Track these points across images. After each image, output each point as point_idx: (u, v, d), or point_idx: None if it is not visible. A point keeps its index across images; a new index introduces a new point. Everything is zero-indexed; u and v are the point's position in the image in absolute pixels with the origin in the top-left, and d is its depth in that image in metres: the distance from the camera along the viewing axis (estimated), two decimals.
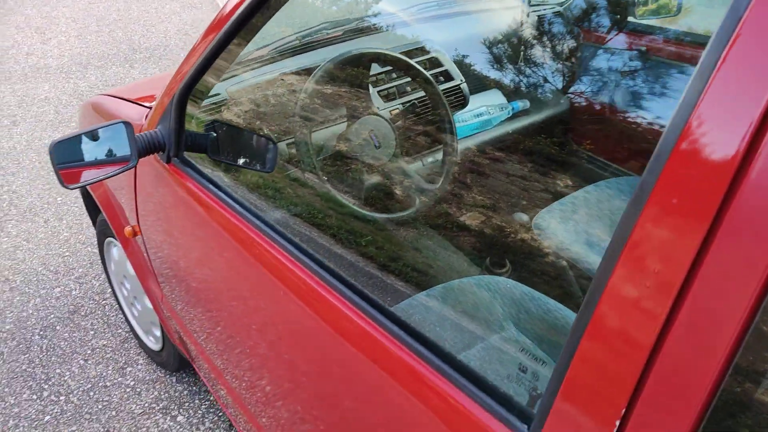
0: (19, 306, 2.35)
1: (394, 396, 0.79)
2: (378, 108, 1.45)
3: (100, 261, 2.58)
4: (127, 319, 2.15)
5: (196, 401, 1.97)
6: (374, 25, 1.79)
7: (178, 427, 1.89)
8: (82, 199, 2.89)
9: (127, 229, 1.56)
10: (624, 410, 0.55)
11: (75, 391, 2.01)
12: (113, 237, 1.88)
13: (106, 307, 2.35)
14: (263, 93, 1.45)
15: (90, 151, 1.21)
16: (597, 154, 1.70)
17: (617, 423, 0.56)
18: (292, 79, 1.48)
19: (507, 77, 1.88)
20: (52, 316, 2.31)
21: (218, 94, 1.41)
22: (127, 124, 1.20)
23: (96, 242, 2.70)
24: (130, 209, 1.53)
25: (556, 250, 1.34)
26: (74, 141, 1.17)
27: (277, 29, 1.54)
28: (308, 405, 1.02)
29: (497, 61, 1.87)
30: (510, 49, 1.84)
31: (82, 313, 2.32)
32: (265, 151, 1.23)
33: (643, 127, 1.63)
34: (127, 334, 2.22)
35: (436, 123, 1.44)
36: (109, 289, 2.43)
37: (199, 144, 1.25)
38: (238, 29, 1.07)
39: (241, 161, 1.24)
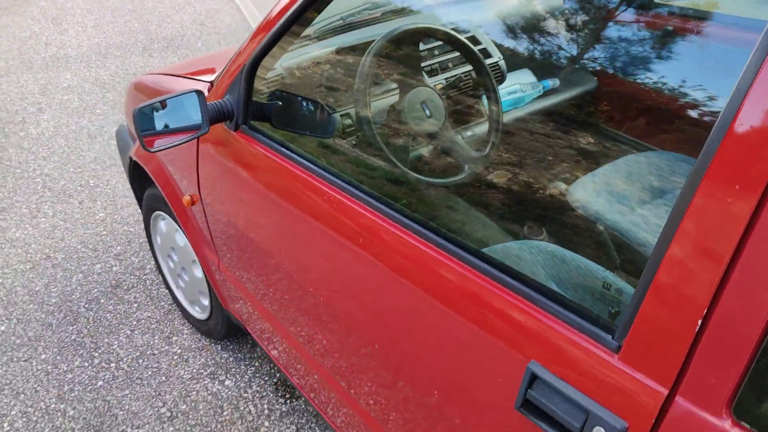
0: (63, 281, 2.44)
1: (475, 329, 0.88)
2: (428, 80, 1.54)
3: (137, 239, 2.67)
4: (171, 292, 2.24)
5: (242, 367, 2.07)
6: (410, 7, 1.87)
7: (227, 390, 1.98)
8: (113, 183, 2.99)
9: (186, 198, 1.65)
10: (706, 310, 0.64)
11: (124, 359, 2.10)
12: (162, 210, 1.97)
13: (147, 281, 2.44)
14: (318, 68, 1.54)
15: (164, 118, 1.30)
16: (624, 131, 1.78)
17: (699, 322, 0.65)
18: (344, 56, 1.57)
19: (537, 57, 1.96)
20: (95, 290, 2.40)
21: (275, 69, 1.50)
22: (200, 93, 1.29)
23: (136, 220, 2.78)
24: (189, 179, 1.61)
25: (592, 217, 1.43)
26: (151, 108, 1.26)
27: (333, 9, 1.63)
28: (368, 350, 1.11)
29: (528, 42, 1.95)
30: (540, 30, 1.92)
31: (125, 288, 2.41)
32: (324, 119, 1.33)
33: (669, 104, 1.71)
34: (170, 306, 2.31)
35: (482, 95, 1.52)
36: (149, 265, 2.52)
37: (264, 112, 1.34)
38: (305, 10, 1.16)
39: (302, 128, 1.33)
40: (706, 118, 1.17)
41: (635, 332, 0.71)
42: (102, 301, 2.35)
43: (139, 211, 2.87)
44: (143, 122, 1.24)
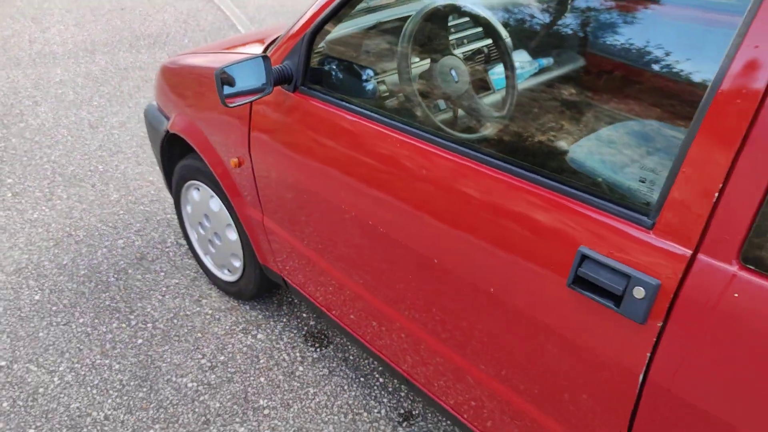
0: (88, 255, 2.59)
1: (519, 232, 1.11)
2: (455, 51, 1.77)
3: (154, 217, 2.83)
4: (198, 260, 2.41)
5: (272, 323, 2.26)
6: None
7: (260, 343, 2.17)
8: (122, 167, 3.13)
9: (233, 160, 1.84)
10: (719, 187, 0.88)
11: (159, 320, 2.27)
12: (197, 179, 2.15)
13: (170, 253, 2.60)
14: (364, 39, 1.75)
15: (234, 80, 1.50)
16: (610, 104, 2.05)
17: (715, 195, 0.89)
18: (387, 28, 1.79)
19: (533, 39, 2.21)
20: (122, 262, 2.55)
21: (328, 38, 1.70)
22: (266, 58, 1.49)
23: (151, 200, 2.94)
24: (238, 142, 1.80)
25: (588, 173, 1.68)
26: (230, 69, 1.45)
27: None
28: (428, 265, 1.33)
29: (525, 25, 2.20)
30: (534, 16, 2.18)
31: (150, 259, 2.57)
32: (368, 81, 1.54)
33: (650, 80, 1.99)
34: (195, 274, 2.48)
35: (501, 64, 1.76)
36: (170, 239, 2.68)
37: (318, 76, 1.55)
38: None
39: (348, 90, 1.54)
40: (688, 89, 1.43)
41: (665, 211, 0.95)
42: (130, 271, 2.50)
43: (153, 191, 3.02)
44: (221, 81, 1.44)
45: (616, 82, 1.39)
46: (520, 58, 2.23)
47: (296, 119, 1.57)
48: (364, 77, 1.56)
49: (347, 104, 1.46)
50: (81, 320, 2.26)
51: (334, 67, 1.54)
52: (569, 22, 2.03)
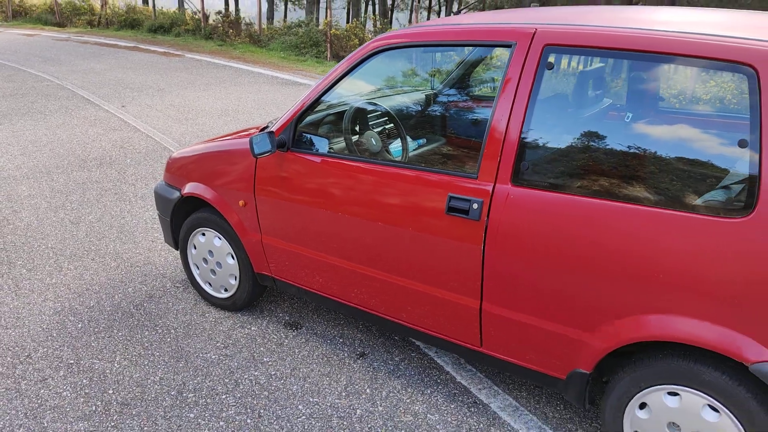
0: (108, 299, 3.50)
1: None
2: (373, 128, 3.07)
3: (150, 272, 3.79)
4: (199, 288, 3.43)
5: (259, 320, 3.29)
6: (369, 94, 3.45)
7: (255, 331, 3.19)
8: (111, 247, 4.08)
9: (241, 203, 2.98)
10: (500, 149, 2.21)
11: (178, 328, 3.23)
12: (205, 226, 3.24)
13: (172, 291, 3.58)
14: (324, 121, 3.01)
15: (254, 144, 2.69)
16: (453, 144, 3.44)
17: (499, 156, 2.21)
18: (337, 114, 3.06)
19: (415, 128, 3.59)
20: (137, 300, 3.50)
21: (308, 119, 2.94)
22: (270, 133, 2.71)
23: (144, 263, 3.90)
24: (245, 190, 2.95)
25: (439, 166, 3.00)
26: (253, 138, 2.66)
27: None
28: (375, 237, 2.53)
29: (410, 119, 3.59)
30: (416, 112, 3.58)
31: (157, 297, 3.53)
32: (329, 141, 2.80)
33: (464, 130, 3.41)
34: (196, 299, 3.48)
35: (398, 137, 3.09)
36: (168, 284, 3.66)
37: (301, 143, 2.79)
38: (334, 85, 2.66)
39: (319, 148, 2.78)
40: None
41: (480, 170, 2.25)
42: (145, 305, 3.45)
43: (144, 259, 3.99)
44: (251, 143, 2.63)
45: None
46: (408, 139, 3.59)
47: (287, 168, 2.78)
48: (327, 141, 2.81)
49: (316, 156, 2.70)
50: (120, 334, 3.18)
51: (310, 137, 2.78)
52: (436, 116, 3.44)
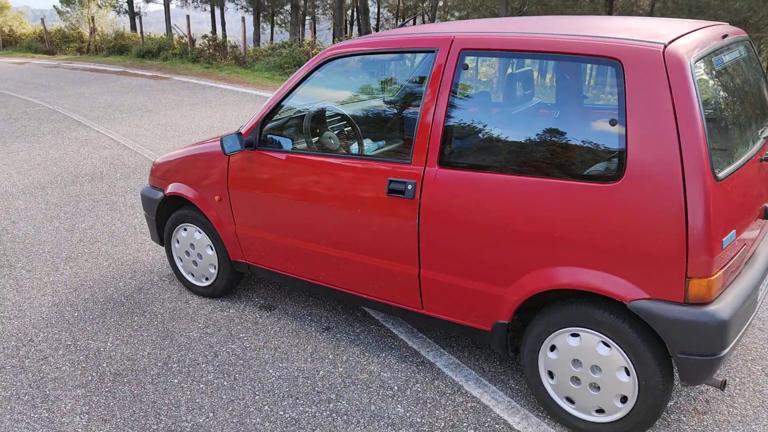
0: (101, 293, 3.88)
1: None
2: (332, 128, 3.49)
3: (140, 269, 4.18)
4: (183, 279, 3.82)
5: (237, 304, 3.68)
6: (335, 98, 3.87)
7: (233, 314, 3.58)
8: (103, 249, 4.47)
9: (216, 198, 3.38)
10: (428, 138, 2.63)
11: (165, 313, 3.61)
12: (186, 222, 3.63)
13: (159, 284, 3.97)
14: (292, 121, 3.42)
15: (224, 144, 3.11)
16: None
17: (427, 143, 2.63)
18: (298, 117, 3.47)
19: (373, 129, 4.01)
20: (127, 292, 3.88)
21: (273, 121, 3.35)
22: (239, 134, 3.13)
23: (133, 262, 4.28)
24: (219, 186, 3.35)
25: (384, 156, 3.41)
26: (224, 139, 3.07)
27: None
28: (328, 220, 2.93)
29: (369, 122, 4.01)
30: (374, 117, 4.00)
31: (145, 289, 3.92)
32: (291, 141, 3.22)
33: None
34: (180, 290, 3.87)
35: (355, 138, 3.50)
36: (156, 278, 4.04)
37: (266, 142, 3.20)
38: (291, 91, 3.08)
39: (282, 146, 3.20)
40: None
41: (413, 157, 2.66)
42: (134, 296, 3.83)
43: (132, 260, 4.38)
44: (222, 144, 3.05)
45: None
46: (368, 141, 4.00)
47: (255, 165, 3.19)
48: (291, 141, 3.23)
49: (281, 153, 3.11)
50: (112, 320, 3.56)
51: (274, 138, 3.20)
52: (393, 118, 3.86)
